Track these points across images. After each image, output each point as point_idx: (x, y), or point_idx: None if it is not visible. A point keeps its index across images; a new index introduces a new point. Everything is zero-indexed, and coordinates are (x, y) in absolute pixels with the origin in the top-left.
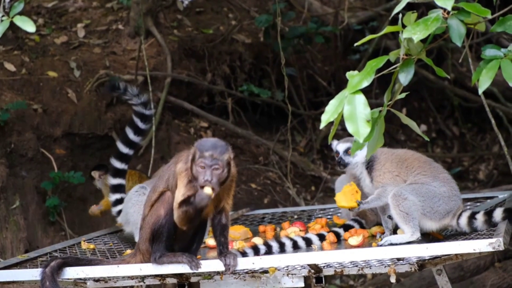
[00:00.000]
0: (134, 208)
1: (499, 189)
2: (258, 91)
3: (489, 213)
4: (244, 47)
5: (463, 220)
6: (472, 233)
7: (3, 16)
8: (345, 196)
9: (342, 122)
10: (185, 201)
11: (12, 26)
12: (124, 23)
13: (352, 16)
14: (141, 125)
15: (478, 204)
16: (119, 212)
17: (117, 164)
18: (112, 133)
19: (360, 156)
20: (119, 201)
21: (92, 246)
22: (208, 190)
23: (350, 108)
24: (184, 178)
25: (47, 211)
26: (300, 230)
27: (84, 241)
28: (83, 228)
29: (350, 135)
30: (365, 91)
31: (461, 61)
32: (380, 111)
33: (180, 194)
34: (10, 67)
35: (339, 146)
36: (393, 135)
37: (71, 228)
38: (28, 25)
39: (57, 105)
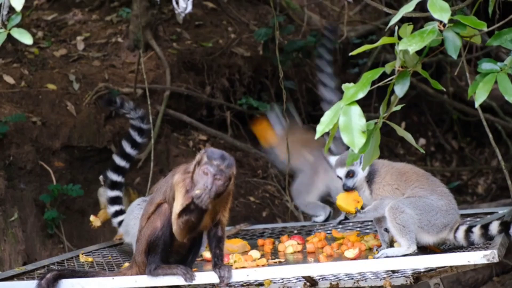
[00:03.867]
0: (135, 221)
1: (498, 203)
2: (257, 104)
3: (485, 227)
4: (243, 61)
5: (460, 234)
6: (469, 246)
7: (0, 28)
8: (347, 199)
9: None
10: (185, 210)
11: (12, 39)
12: (124, 36)
13: (352, 30)
14: (138, 138)
15: (478, 219)
16: (120, 222)
17: (114, 176)
18: (111, 146)
19: (360, 173)
20: (119, 212)
21: (90, 259)
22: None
23: (346, 119)
24: (182, 188)
25: (45, 223)
26: (298, 244)
27: (82, 254)
28: (81, 241)
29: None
30: (364, 105)
31: (456, 73)
32: (375, 123)
33: (178, 204)
34: (9, 79)
35: (339, 172)
36: (392, 148)
37: (70, 241)
38: (25, 37)
39: (56, 118)
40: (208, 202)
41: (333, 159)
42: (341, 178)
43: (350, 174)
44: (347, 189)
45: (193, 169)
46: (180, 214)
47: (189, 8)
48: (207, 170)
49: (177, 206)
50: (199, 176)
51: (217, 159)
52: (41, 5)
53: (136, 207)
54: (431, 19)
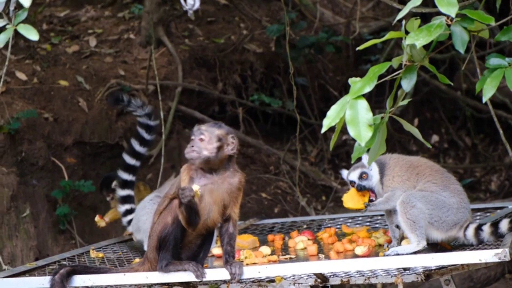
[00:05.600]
0: (147, 216)
1: (511, 200)
2: (269, 101)
3: (495, 225)
4: (255, 57)
5: (470, 232)
6: (479, 244)
7: (7, 24)
8: (353, 197)
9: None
10: (180, 202)
11: (24, 36)
12: (136, 33)
13: (364, 26)
14: (146, 136)
15: (488, 214)
16: (129, 222)
17: (125, 175)
18: (123, 142)
19: (375, 175)
20: (129, 212)
21: (101, 254)
22: (194, 187)
23: (352, 113)
24: (186, 176)
25: (57, 219)
26: (309, 239)
27: (93, 249)
28: (93, 236)
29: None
30: (376, 101)
31: (470, 70)
32: (382, 117)
33: None
34: (21, 76)
35: (351, 176)
36: (405, 145)
37: (81, 237)
38: (31, 33)
39: (68, 114)
40: (188, 199)
41: (345, 173)
42: (354, 182)
43: (363, 176)
44: (361, 189)
45: None
46: (179, 205)
47: (197, 5)
48: (192, 135)
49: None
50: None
51: (200, 124)
52: (53, 2)
53: (148, 202)
54: (441, 14)
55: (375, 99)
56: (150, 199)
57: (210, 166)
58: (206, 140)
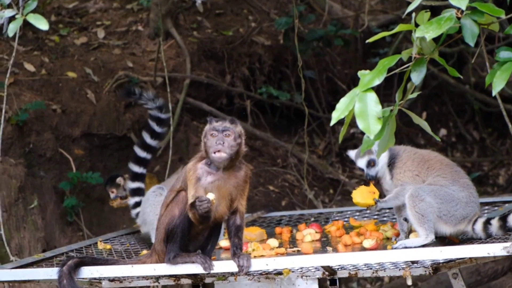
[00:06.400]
0: (150, 208)
1: None
2: (277, 94)
3: (503, 218)
4: (264, 49)
5: (478, 226)
6: (487, 238)
7: (16, 14)
8: (362, 193)
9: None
10: (192, 204)
11: (33, 27)
12: (144, 25)
13: (373, 19)
14: (157, 128)
15: (496, 208)
16: (138, 214)
17: (136, 168)
18: (131, 134)
19: (382, 161)
20: (138, 204)
21: (108, 246)
22: (210, 196)
23: (361, 106)
24: (193, 176)
25: (65, 211)
26: (316, 232)
27: (100, 241)
28: (101, 228)
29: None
30: (385, 94)
31: (479, 64)
32: (391, 110)
33: (190, 195)
34: (29, 67)
35: (359, 163)
36: (413, 138)
37: (89, 229)
38: (41, 23)
39: (76, 106)
40: (206, 210)
41: (352, 153)
42: (363, 170)
43: (371, 163)
44: (370, 178)
45: (203, 145)
46: (190, 207)
47: None
48: (214, 131)
49: (189, 196)
50: (209, 141)
51: (219, 120)
52: None
53: (151, 194)
54: (451, 7)
55: (384, 93)
56: (152, 191)
57: (228, 165)
58: (232, 137)
